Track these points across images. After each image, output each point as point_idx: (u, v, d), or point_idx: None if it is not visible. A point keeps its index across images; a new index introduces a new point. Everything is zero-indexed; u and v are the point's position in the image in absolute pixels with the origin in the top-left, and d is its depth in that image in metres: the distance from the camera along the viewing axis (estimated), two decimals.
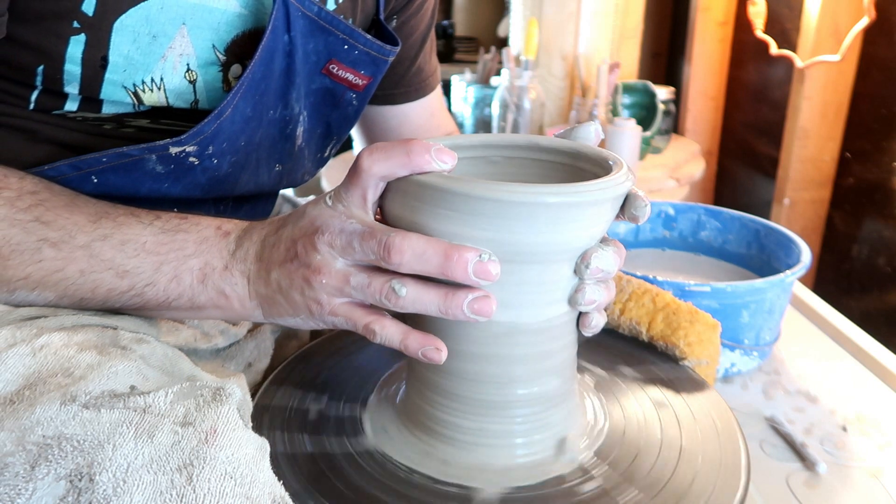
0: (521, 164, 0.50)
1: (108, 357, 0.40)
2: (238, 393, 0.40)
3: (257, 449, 0.37)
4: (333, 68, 0.60)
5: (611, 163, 0.44)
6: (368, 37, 0.60)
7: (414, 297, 0.40)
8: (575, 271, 0.42)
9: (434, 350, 0.42)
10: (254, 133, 0.56)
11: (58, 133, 0.52)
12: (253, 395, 0.52)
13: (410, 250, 0.39)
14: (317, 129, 0.65)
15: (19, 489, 0.31)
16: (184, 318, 0.51)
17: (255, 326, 0.60)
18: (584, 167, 0.48)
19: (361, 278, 0.41)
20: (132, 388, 0.38)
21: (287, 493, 0.36)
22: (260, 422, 0.48)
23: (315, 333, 0.67)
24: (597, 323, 0.45)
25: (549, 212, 0.39)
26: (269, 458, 0.38)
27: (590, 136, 0.49)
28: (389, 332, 0.42)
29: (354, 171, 0.41)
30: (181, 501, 0.32)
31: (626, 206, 0.43)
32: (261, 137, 0.58)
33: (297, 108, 0.60)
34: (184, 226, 0.46)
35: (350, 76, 0.62)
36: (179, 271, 0.45)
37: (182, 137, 0.51)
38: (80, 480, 0.32)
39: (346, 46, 0.59)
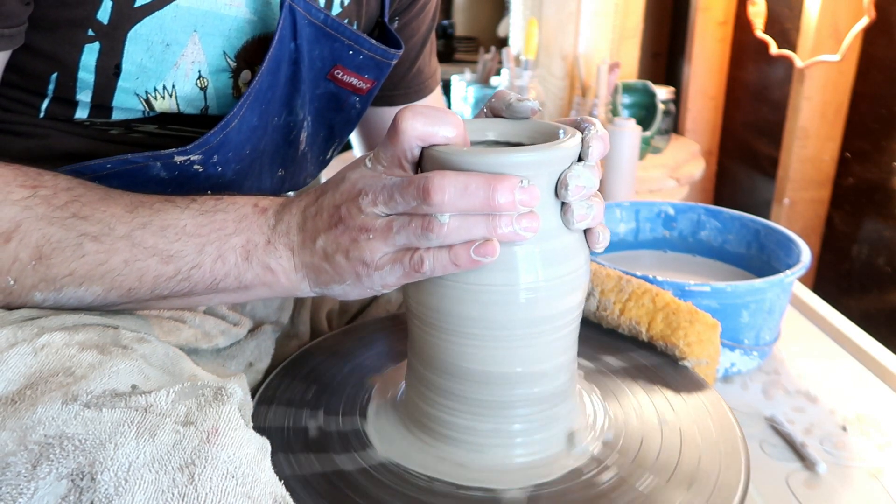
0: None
1: (109, 356, 0.40)
2: (239, 392, 0.39)
3: (258, 449, 0.37)
4: (338, 73, 0.60)
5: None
6: (373, 42, 0.60)
7: (457, 224, 0.40)
8: (558, 196, 0.43)
9: (482, 245, 0.40)
10: (259, 141, 0.57)
11: (64, 139, 0.53)
12: (253, 395, 0.52)
13: (451, 186, 0.39)
14: (320, 133, 0.66)
15: (21, 489, 0.31)
16: (233, 303, 0.52)
17: (256, 326, 0.60)
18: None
19: (403, 220, 0.41)
20: (133, 387, 0.38)
21: (288, 494, 0.36)
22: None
23: (314, 335, 0.67)
24: (603, 237, 0.46)
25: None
26: (270, 458, 0.38)
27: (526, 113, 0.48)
28: (436, 256, 0.41)
29: (394, 132, 0.42)
30: (183, 500, 0.32)
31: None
32: (265, 144, 0.58)
33: (301, 114, 0.60)
34: (221, 206, 0.46)
35: (354, 80, 0.62)
36: (223, 251, 0.44)
37: (188, 147, 0.51)
38: (81, 480, 0.32)
39: (350, 52, 0.59)
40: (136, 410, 0.35)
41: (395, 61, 0.64)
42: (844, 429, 0.65)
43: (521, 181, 0.40)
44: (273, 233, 0.45)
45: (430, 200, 0.39)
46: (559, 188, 0.43)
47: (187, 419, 0.36)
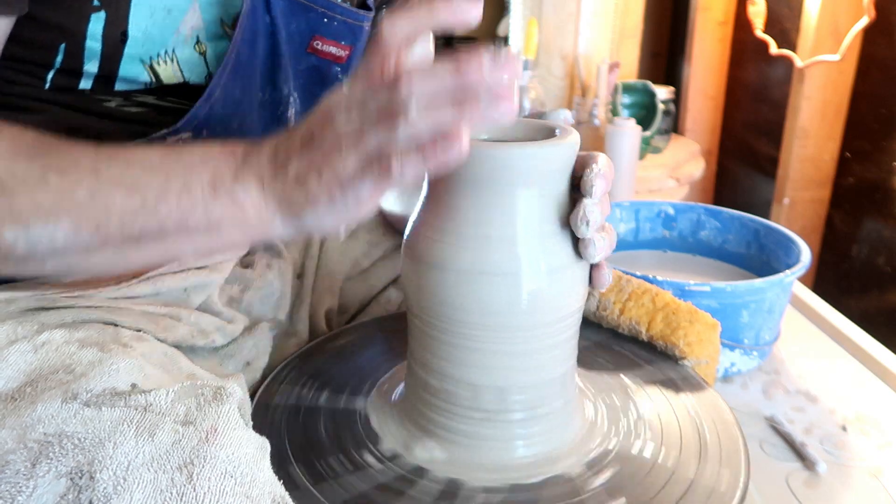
0: None
1: (109, 354, 0.40)
2: (238, 392, 0.39)
3: (257, 448, 0.37)
4: (318, 45, 0.61)
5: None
6: (344, 5, 0.61)
7: (425, 110, 0.37)
8: (577, 233, 0.45)
9: (448, 134, 0.36)
10: (245, 116, 0.57)
11: (63, 115, 0.53)
12: (252, 394, 0.52)
13: (420, 72, 0.37)
14: (308, 110, 0.65)
15: (20, 486, 0.31)
16: (210, 252, 0.50)
17: (253, 324, 0.60)
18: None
19: (372, 119, 0.38)
20: (133, 385, 0.38)
21: (287, 493, 0.36)
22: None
23: (313, 334, 0.67)
24: (608, 276, 0.47)
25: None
26: (269, 458, 0.37)
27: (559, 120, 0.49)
28: (405, 155, 0.37)
29: (375, 39, 0.39)
30: (181, 500, 0.32)
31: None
32: (253, 121, 0.58)
33: (285, 89, 0.60)
34: (188, 147, 0.45)
35: (333, 49, 0.62)
36: (189, 181, 0.43)
37: (178, 125, 0.51)
38: (80, 478, 0.32)
39: (325, 20, 0.60)
40: (136, 409, 0.35)
41: (366, 24, 0.64)
42: (844, 428, 0.65)
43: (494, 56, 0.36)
44: (242, 165, 0.43)
45: (398, 87, 0.36)
46: (579, 223, 0.44)
47: (186, 418, 0.36)
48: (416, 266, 0.45)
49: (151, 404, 0.36)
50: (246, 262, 0.66)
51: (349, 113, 0.39)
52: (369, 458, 0.46)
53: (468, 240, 0.43)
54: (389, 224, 0.77)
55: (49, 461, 0.32)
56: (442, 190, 0.44)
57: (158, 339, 0.51)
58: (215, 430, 0.35)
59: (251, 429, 0.39)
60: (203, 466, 0.33)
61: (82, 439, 0.33)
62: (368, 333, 0.63)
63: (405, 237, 0.47)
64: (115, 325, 0.45)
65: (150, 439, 0.34)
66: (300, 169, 0.41)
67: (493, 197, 0.43)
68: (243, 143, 0.44)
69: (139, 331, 0.49)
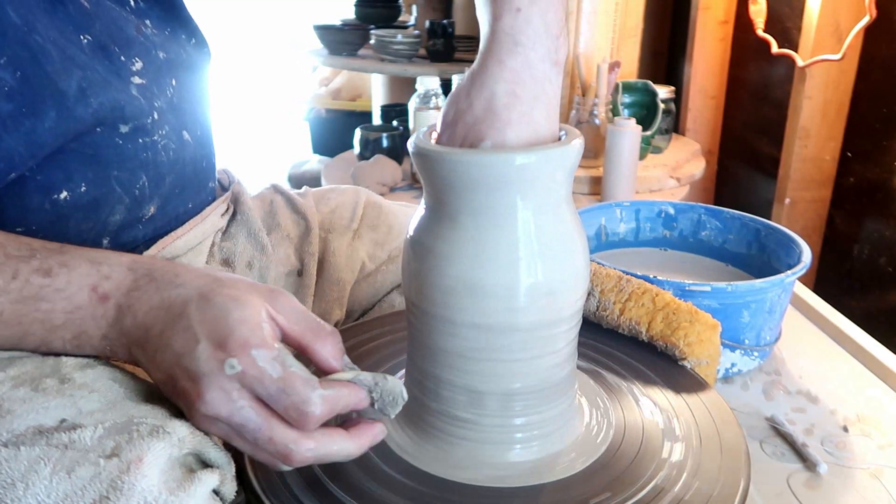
0: None
1: (42, 393, 0.38)
2: (182, 431, 0.37)
3: (186, 473, 0.35)
4: None
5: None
6: None
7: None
8: None
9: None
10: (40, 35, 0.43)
11: None
12: None
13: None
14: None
15: None
16: None
17: None
18: None
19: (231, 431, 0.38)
20: (62, 421, 0.36)
21: None
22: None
23: None
24: None
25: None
26: (207, 485, 0.35)
27: None
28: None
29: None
30: None
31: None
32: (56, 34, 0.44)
33: None
34: (46, 292, 0.39)
35: None
36: (48, 340, 0.40)
37: None
38: None
39: None
40: (56, 447, 0.34)
41: None
42: (845, 429, 0.65)
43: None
44: (111, 328, 0.40)
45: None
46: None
47: (113, 452, 0.34)
48: (415, 266, 0.45)
49: (75, 441, 0.34)
50: (226, 258, 0.64)
51: (217, 415, 0.37)
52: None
53: (467, 241, 0.43)
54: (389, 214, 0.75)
55: None
56: (440, 192, 0.44)
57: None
58: (140, 461, 0.33)
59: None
60: (119, 499, 0.32)
61: None
62: (368, 334, 0.63)
63: (406, 237, 0.47)
64: (58, 356, 0.42)
65: (66, 477, 0.32)
66: (163, 388, 0.40)
67: (491, 200, 0.42)
68: (118, 286, 0.40)
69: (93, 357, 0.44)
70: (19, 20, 0.41)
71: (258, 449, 0.38)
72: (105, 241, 0.50)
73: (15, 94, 0.41)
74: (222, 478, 0.37)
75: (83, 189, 0.46)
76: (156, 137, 0.50)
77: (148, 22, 0.52)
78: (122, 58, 0.48)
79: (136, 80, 0.49)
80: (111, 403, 0.39)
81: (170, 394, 0.39)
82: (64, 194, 0.45)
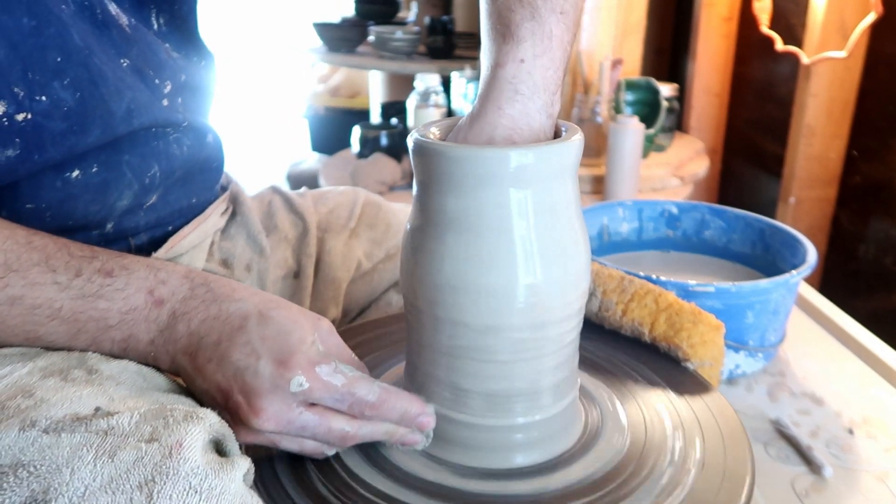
0: None
1: (71, 383, 0.39)
2: (212, 418, 0.38)
3: (226, 459, 0.36)
4: None
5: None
6: None
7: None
8: None
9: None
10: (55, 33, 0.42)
11: None
12: None
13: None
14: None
15: None
16: None
17: None
18: None
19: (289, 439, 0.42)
20: (97, 409, 0.37)
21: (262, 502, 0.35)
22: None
23: None
24: None
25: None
26: (244, 469, 0.36)
27: None
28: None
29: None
30: None
31: None
32: (73, 45, 0.43)
33: None
34: (107, 290, 0.41)
35: None
36: (98, 340, 0.42)
37: None
38: None
39: None
40: (97, 433, 0.34)
41: None
42: (851, 431, 0.64)
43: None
44: (160, 335, 0.42)
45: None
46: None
47: (152, 436, 0.34)
48: (414, 266, 0.45)
49: (114, 427, 0.35)
50: (225, 258, 0.64)
51: (277, 425, 0.40)
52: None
53: (465, 241, 0.42)
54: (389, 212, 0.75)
55: (3, 493, 0.31)
56: (434, 190, 0.43)
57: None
58: (180, 445, 0.34)
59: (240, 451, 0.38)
60: (164, 483, 0.32)
61: (38, 467, 0.32)
62: (367, 334, 0.62)
63: (404, 233, 0.46)
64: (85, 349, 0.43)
65: (109, 461, 0.33)
66: (206, 397, 0.42)
67: (487, 196, 0.41)
68: (174, 293, 0.42)
69: None
70: (81, 42, 0.43)
71: (309, 442, 0.42)
72: (109, 226, 0.50)
73: (71, 115, 0.43)
74: (249, 465, 0.38)
75: (94, 170, 0.47)
76: (170, 139, 0.52)
77: (168, 45, 0.53)
78: (157, 80, 0.50)
79: (165, 102, 0.51)
80: (140, 392, 0.40)
81: (215, 404, 0.41)
82: (76, 173, 0.46)
